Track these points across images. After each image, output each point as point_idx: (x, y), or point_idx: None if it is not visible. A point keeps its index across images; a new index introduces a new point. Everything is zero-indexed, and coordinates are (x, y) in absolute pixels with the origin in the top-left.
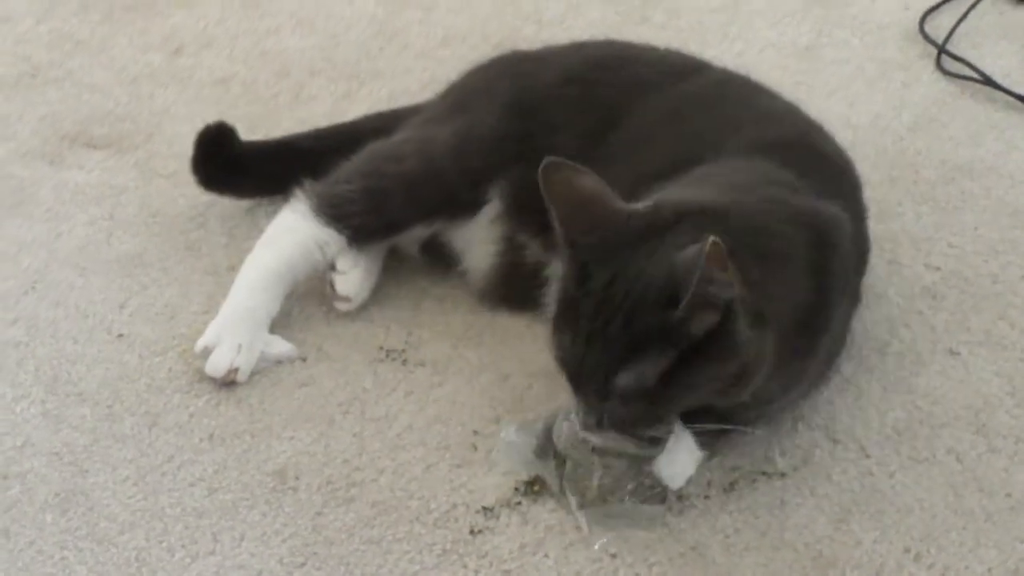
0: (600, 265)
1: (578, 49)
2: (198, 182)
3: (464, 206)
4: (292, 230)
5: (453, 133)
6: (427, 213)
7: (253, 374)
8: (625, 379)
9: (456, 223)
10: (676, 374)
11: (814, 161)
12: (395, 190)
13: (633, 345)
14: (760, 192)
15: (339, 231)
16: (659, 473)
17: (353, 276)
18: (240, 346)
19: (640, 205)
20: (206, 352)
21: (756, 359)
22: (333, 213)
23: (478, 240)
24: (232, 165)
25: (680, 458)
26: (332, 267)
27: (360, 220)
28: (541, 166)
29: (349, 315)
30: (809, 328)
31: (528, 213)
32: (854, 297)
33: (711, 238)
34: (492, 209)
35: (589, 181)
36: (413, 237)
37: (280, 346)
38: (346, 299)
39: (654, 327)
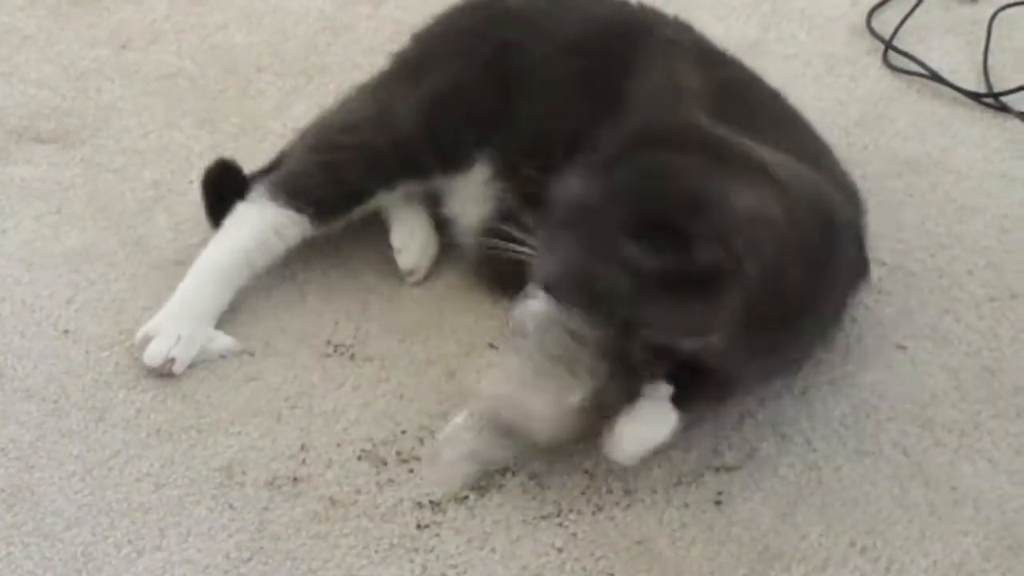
0: (651, 144)
1: (572, 11)
2: (213, 226)
3: (437, 166)
4: (247, 220)
5: (419, 99)
6: (390, 179)
7: (199, 369)
8: (631, 250)
9: (445, 178)
10: (668, 285)
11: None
12: (353, 161)
13: (657, 228)
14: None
15: (299, 210)
16: (618, 451)
17: (412, 249)
18: (179, 337)
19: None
20: (146, 340)
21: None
22: (291, 192)
23: (470, 202)
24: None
25: (651, 419)
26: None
27: (320, 194)
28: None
29: (297, 310)
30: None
31: (517, 182)
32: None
33: (776, 212)
34: (481, 172)
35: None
36: (381, 202)
37: (222, 341)
38: (411, 272)
39: (675, 223)
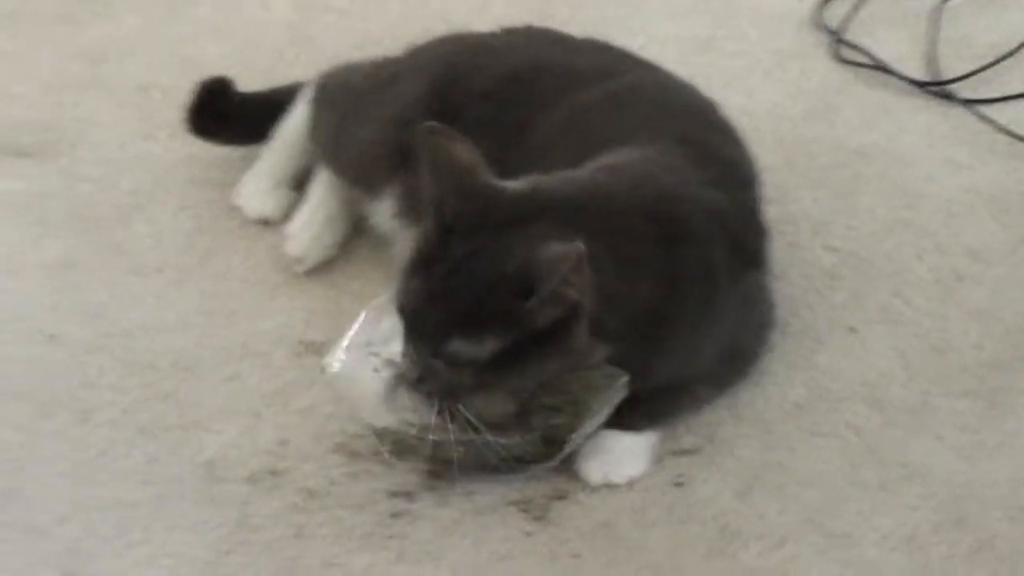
0: (462, 235)
1: (502, 55)
2: (189, 130)
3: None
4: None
5: (386, 117)
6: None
7: (180, 369)
8: (458, 345)
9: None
10: (508, 357)
11: (704, 157)
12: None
13: (475, 318)
14: (629, 179)
15: None
16: (606, 478)
17: (303, 238)
18: (266, 192)
19: (513, 184)
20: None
21: (579, 361)
22: None
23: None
24: (224, 116)
25: (625, 458)
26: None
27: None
28: (421, 127)
29: (270, 311)
30: (660, 321)
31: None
32: (751, 265)
33: (577, 246)
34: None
35: (466, 150)
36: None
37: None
38: (297, 261)
39: (500, 308)
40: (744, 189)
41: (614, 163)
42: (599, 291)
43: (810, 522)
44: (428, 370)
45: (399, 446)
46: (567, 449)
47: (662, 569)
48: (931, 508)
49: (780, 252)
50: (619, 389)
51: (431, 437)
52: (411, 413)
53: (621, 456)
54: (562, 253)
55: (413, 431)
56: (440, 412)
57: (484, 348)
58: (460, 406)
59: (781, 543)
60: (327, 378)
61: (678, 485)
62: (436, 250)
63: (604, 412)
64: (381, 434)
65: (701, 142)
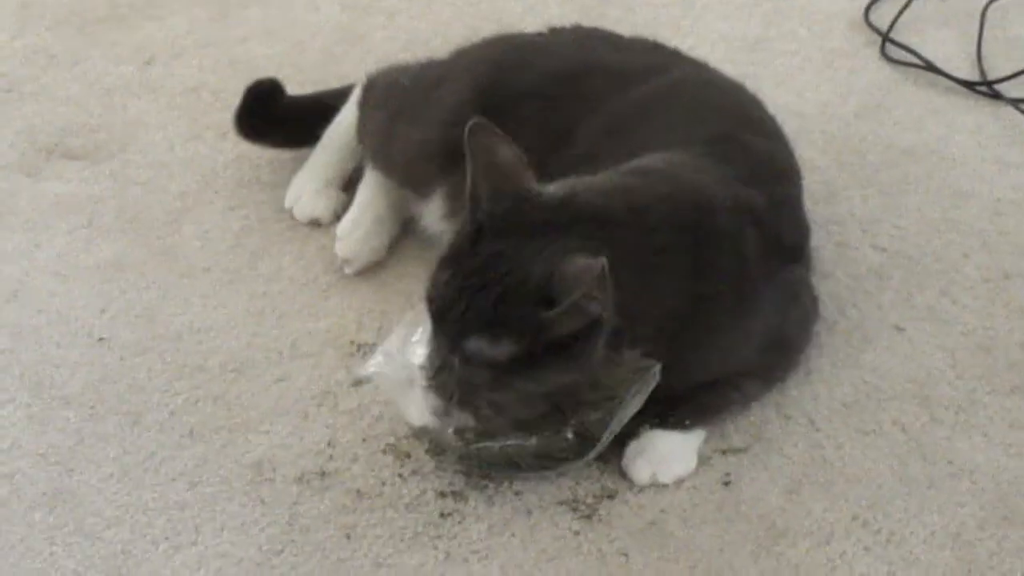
0: (494, 235)
1: (548, 54)
2: (238, 132)
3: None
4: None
5: (437, 115)
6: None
7: (229, 371)
8: (476, 344)
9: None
10: (526, 362)
11: (740, 154)
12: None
13: (495, 320)
14: (658, 186)
15: None
16: (653, 478)
17: (352, 239)
18: (316, 192)
19: (551, 189)
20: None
21: (600, 373)
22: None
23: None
24: (272, 118)
25: (672, 457)
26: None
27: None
28: (468, 124)
29: (321, 312)
30: (691, 323)
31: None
32: (791, 259)
33: (600, 261)
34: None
35: (509, 151)
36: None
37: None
38: (346, 261)
39: (520, 314)
40: (783, 185)
41: (648, 166)
42: (624, 306)
43: (858, 519)
44: (446, 364)
45: (436, 445)
46: (601, 445)
47: (710, 567)
48: (978, 505)
49: (828, 251)
50: (650, 379)
51: (461, 436)
52: (445, 416)
53: (668, 455)
54: (585, 267)
55: (449, 431)
56: (463, 410)
57: (501, 350)
58: (479, 406)
59: (827, 540)
60: (363, 380)
61: (726, 484)
62: (467, 247)
63: (636, 403)
64: (419, 433)
65: (739, 139)
